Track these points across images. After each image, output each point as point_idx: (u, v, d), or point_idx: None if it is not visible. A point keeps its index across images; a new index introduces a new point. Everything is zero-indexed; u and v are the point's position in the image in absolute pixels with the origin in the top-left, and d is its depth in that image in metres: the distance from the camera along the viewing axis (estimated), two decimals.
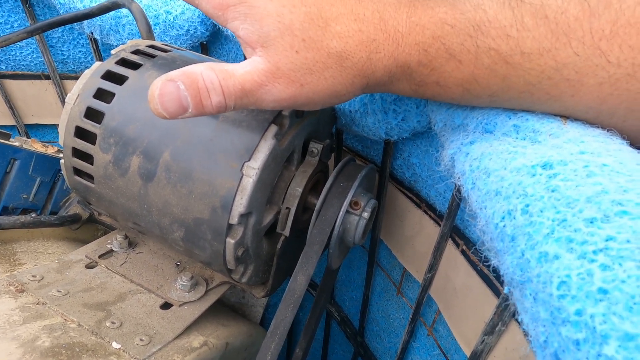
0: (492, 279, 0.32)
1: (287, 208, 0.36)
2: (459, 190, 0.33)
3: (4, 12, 0.58)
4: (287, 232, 0.36)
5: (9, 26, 0.59)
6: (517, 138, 0.25)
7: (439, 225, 0.40)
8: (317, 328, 0.44)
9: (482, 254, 0.31)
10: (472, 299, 0.35)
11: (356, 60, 0.25)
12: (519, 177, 0.22)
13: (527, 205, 0.20)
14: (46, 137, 0.76)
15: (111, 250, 0.42)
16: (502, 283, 0.30)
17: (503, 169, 0.23)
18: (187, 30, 0.52)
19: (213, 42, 0.57)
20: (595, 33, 0.21)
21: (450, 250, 0.37)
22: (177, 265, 0.41)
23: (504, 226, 0.21)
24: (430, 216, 0.41)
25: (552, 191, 0.20)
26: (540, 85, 0.23)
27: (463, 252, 0.36)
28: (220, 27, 0.54)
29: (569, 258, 0.18)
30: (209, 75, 0.24)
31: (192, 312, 0.37)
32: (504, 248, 0.21)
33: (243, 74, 0.25)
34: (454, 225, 0.37)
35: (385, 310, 0.54)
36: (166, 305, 0.37)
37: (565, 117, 0.25)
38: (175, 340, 0.35)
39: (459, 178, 0.27)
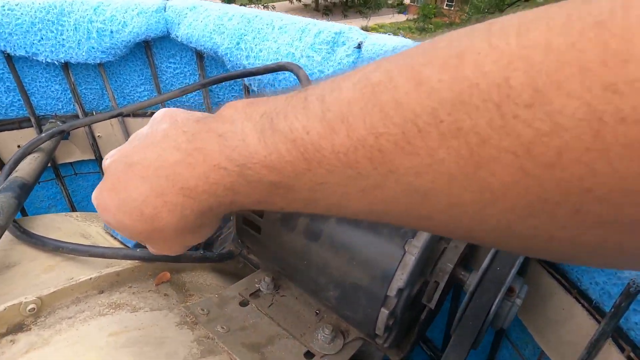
0: None
1: (435, 282, 0.36)
2: (631, 294, 0.31)
3: (183, 63, 0.68)
4: (433, 304, 0.37)
5: (183, 75, 0.69)
6: None
7: (594, 317, 0.38)
8: None
9: None
10: None
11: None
12: None
13: None
14: None
15: (259, 290, 0.46)
16: None
17: None
18: None
19: None
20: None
21: (611, 352, 0.35)
22: (317, 313, 0.44)
23: None
24: (583, 306, 0.39)
25: None
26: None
27: None
28: None
29: None
30: None
31: None
32: None
33: None
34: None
35: None
36: (309, 354, 0.40)
37: None
38: None
39: None
